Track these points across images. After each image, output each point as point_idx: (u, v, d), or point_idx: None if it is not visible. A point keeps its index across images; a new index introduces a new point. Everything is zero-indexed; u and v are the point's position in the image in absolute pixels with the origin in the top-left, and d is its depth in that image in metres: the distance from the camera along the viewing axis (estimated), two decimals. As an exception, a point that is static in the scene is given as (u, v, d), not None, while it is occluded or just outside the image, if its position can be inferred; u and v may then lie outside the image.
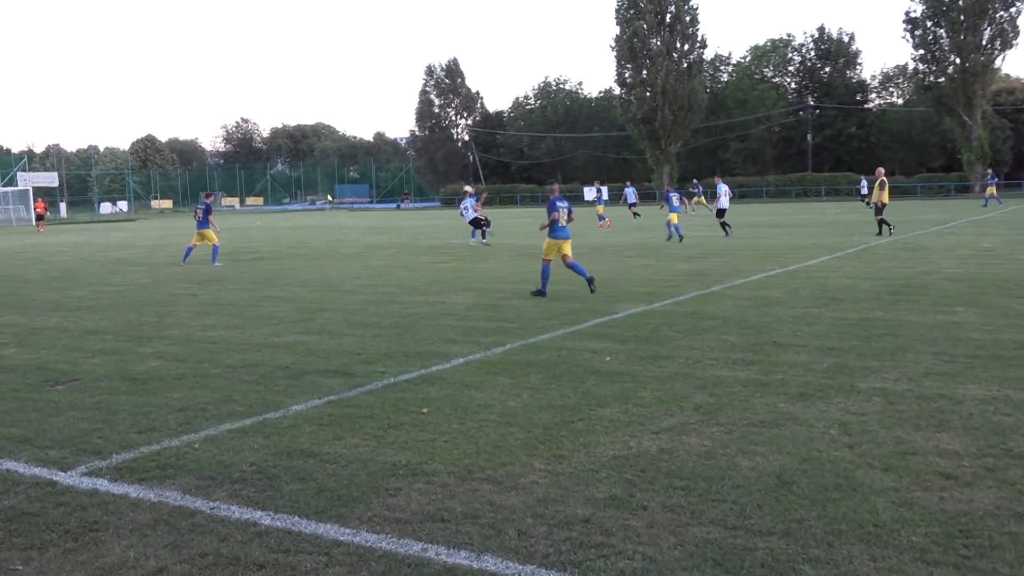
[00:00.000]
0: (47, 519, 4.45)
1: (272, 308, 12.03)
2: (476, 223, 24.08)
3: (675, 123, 67.09)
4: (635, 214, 36.95)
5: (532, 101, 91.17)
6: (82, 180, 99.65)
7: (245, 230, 39.73)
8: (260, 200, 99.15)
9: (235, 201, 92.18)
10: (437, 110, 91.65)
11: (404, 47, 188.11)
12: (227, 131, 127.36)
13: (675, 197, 24.08)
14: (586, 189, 67.48)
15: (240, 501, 4.60)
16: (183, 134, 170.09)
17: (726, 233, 23.82)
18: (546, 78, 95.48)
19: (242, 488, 4.78)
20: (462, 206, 24.29)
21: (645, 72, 66.99)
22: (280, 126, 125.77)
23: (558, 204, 12.43)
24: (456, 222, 40.21)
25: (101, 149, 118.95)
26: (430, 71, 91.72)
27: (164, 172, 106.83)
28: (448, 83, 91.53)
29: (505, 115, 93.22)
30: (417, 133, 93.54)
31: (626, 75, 67.90)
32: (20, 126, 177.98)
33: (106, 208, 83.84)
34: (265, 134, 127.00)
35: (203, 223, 19.63)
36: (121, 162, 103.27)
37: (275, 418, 6.17)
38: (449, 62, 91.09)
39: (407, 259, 20.45)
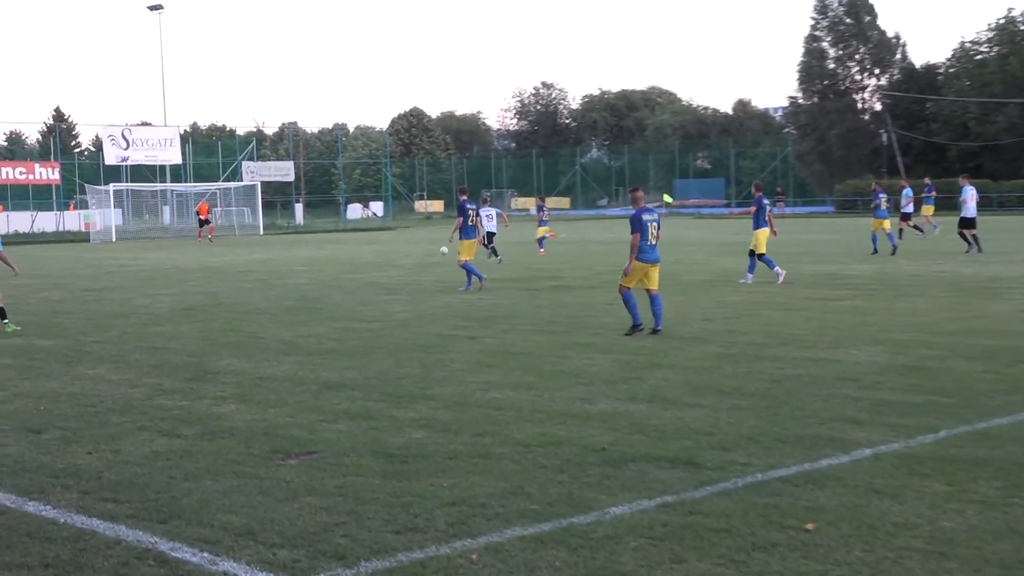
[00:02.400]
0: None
1: (581, 360, 12.58)
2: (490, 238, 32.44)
3: None
4: None
5: (985, 48, 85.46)
6: (325, 173, 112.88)
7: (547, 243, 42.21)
8: (566, 202, 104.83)
9: (529, 203, 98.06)
10: (832, 65, 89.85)
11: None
12: (521, 102, 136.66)
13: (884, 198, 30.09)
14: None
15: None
16: (460, 107, 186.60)
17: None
18: (1009, 11, 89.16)
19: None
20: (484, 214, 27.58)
21: None
22: (596, 93, 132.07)
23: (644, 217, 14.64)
24: (861, 237, 39.05)
25: (351, 129, 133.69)
26: (822, 7, 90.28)
27: (434, 160, 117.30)
28: (850, 24, 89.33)
29: (940, 71, 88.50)
30: (800, 101, 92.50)
31: None
32: (249, 99, 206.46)
33: (354, 212, 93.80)
34: (574, 105, 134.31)
35: (468, 232, 22.69)
36: (377, 147, 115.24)
37: (585, 524, 6.35)
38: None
39: (781, 292, 20.43)
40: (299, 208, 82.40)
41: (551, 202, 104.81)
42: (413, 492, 7.18)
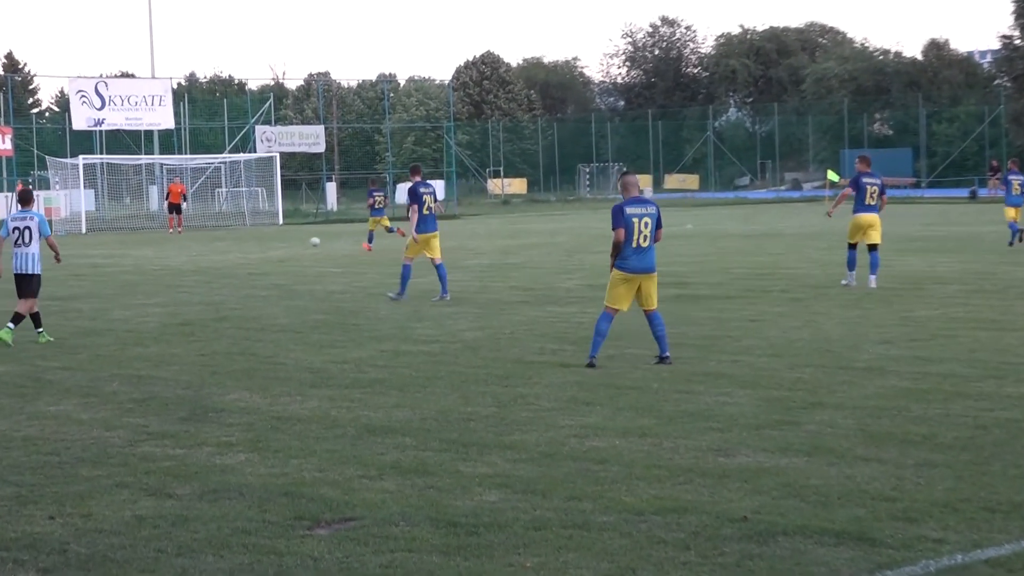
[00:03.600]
0: None
1: (714, 396, 12.57)
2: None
3: None
4: None
5: None
6: (366, 141, 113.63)
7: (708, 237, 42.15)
8: (694, 180, 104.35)
9: (644, 183, 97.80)
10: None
11: None
12: (633, 45, 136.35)
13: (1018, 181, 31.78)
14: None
15: None
16: (550, 52, 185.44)
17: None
18: None
19: None
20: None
21: None
22: (735, 33, 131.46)
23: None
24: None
25: (401, 82, 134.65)
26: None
27: (514, 124, 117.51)
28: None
29: None
30: (1018, 42, 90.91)
31: None
32: (265, 41, 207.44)
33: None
34: (705, 49, 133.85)
35: (426, 223, 23.16)
36: (436, 107, 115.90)
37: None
38: None
39: (991, 303, 20.28)
40: (331, 189, 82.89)
41: (672, 181, 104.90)
42: (485, 574, 7.21)
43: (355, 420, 11.87)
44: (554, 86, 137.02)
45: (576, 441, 10.70)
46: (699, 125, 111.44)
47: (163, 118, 70.00)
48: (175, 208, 57.97)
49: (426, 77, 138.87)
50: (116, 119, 68.26)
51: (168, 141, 75.81)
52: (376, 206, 40.94)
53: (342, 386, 13.83)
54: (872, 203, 23.14)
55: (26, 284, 18.63)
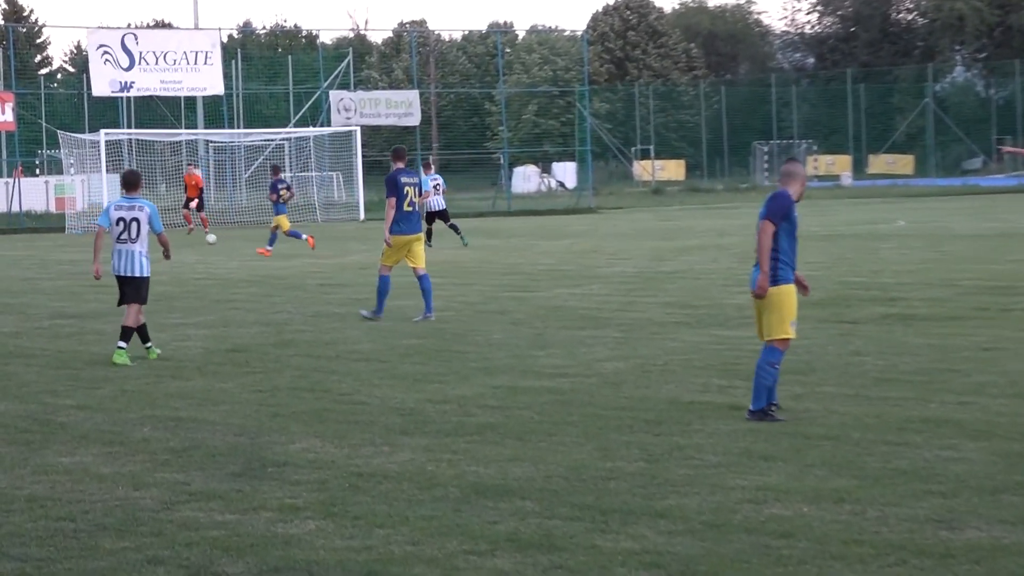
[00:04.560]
0: None
1: (935, 449, 12.44)
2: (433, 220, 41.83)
3: None
4: None
5: None
6: (474, 111, 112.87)
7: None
8: (908, 162, 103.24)
9: (841, 166, 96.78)
10: None
11: None
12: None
13: None
14: None
15: None
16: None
17: None
18: None
19: None
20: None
21: None
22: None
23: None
24: None
25: (519, 34, 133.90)
26: None
27: (668, 89, 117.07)
28: None
29: None
30: None
31: None
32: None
33: (526, 179, 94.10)
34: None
35: (408, 222, 23.38)
36: (566, 65, 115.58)
37: None
38: None
39: None
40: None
41: (877, 164, 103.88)
42: None
43: (459, 478, 11.91)
44: (722, 38, 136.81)
45: (751, 508, 10.65)
46: (914, 90, 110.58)
47: (209, 81, 70.00)
48: (192, 202, 57.13)
49: (553, 27, 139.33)
50: (148, 82, 68.37)
51: (215, 111, 76.29)
52: (281, 200, 42.79)
53: (442, 433, 13.88)
54: None
55: (132, 289, 19.31)
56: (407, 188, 23.07)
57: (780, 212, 14.24)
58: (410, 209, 23.25)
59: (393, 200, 23.11)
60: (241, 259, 40.26)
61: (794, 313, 14.39)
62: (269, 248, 41.47)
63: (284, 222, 43.15)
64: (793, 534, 9.85)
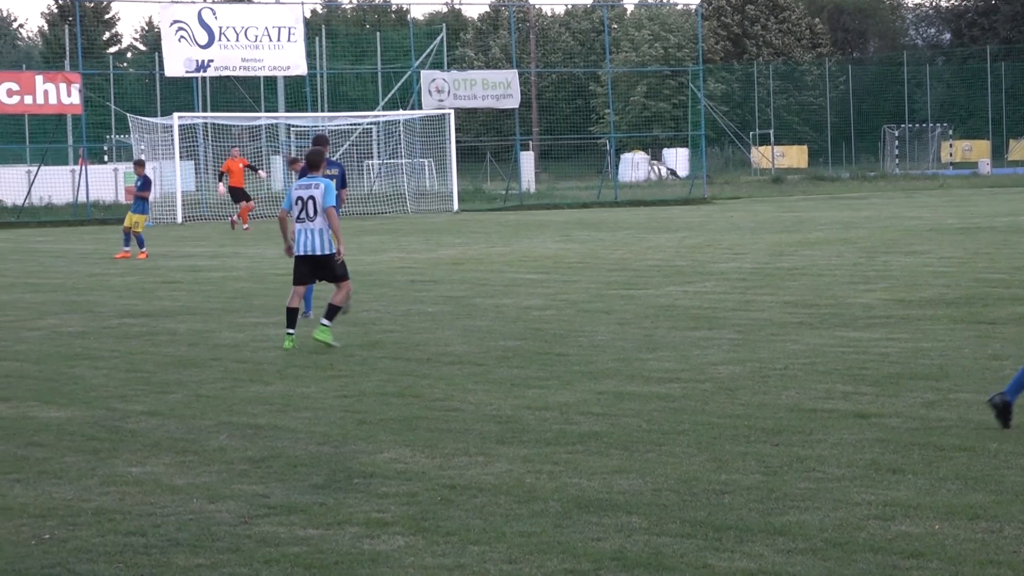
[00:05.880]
0: None
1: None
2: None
3: None
4: None
5: None
6: (577, 91, 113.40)
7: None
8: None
9: (980, 150, 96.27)
10: None
11: None
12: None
13: None
14: None
15: None
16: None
17: None
18: None
19: None
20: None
21: None
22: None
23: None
24: None
25: (628, 8, 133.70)
26: None
27: (790, 68, 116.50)
28: None
29: None
30: None
31: None
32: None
33: (634, 166, 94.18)
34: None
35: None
36: (678, 43, 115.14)
37: None
38: None
39: None
40: (527, 160, 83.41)
41: (1018, 151, 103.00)
42: None
43: (560, 491, 11.91)
44: (849, 13, 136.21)
45: (878, 525, 10.60)
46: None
47: (292, 59, 69.45)
48: (239, 194, 56.82)
49: (664, 1, 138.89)
50: (228, 60, 67.75)
51: (297, 93, 76.55)
52: (139, 196, 42.66)
53: (542, 442, 13.90)
54: None
55: (321, 268, 20.39)
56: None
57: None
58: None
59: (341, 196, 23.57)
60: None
61: None
62: (129, 249, 41.31)
63: (140, 222, 42.43)
64: (923, 553, 9.80)
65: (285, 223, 21.06)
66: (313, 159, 20.85)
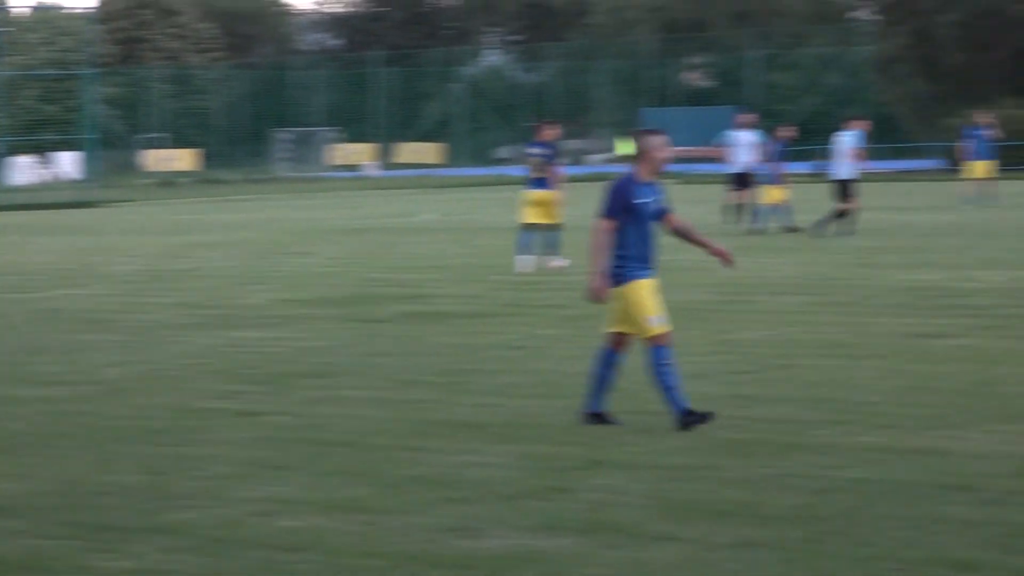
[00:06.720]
0: None
1: (458, 453, 12.66)
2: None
3: None
4: None
5: None
6: None
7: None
8: (429, 150, 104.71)
9: (431, 152, 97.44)
10: None
11: None
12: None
13: None
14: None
15: None
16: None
17: None
18: None
19: None
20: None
21: None
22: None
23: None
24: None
25: (75, 9, 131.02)
26: None
27: (183, 73, 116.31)
28: None
29: None
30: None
31: None
32: None
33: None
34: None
35: None
36: (69, 47, 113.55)
37: None
38: None
39: (839, 320, 20.96)
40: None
41: (404, 152, 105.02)
42: None
43: None
44: (242, 18, 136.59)
45: (261, 520, 10.69)
46: (445, 74, 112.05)
47: None
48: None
49: (57, 5, 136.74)
50: None
51: None
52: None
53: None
54: None
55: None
56: None
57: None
58: None
59: None
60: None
61: (655, 309, 13.56)
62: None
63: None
64: (305, 547, 9.95)
65: None
66: None
